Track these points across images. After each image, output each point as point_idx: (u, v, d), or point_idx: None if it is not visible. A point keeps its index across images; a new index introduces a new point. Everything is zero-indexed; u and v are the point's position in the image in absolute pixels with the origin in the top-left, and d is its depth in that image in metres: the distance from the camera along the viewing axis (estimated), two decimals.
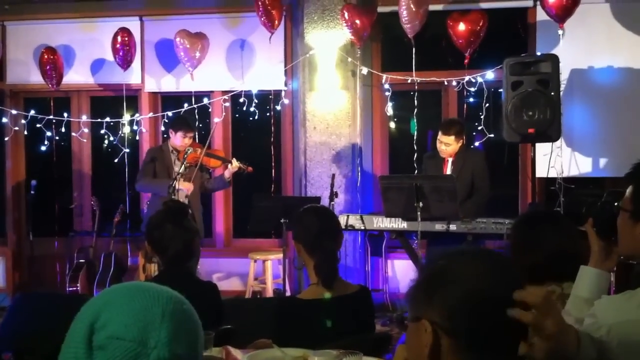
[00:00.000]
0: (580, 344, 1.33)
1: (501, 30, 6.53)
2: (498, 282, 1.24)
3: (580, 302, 2.01)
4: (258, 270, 6.53)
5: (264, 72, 6.76)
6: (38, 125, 7.00)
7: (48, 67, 6.74)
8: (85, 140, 7.18)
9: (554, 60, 5.36)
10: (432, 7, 6.10)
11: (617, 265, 5.03)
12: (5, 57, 7.19)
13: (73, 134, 7.18)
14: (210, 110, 6.99)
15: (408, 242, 5.65)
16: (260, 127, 6.89)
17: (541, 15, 6.08)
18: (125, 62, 6.65)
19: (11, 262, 7.33)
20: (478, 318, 1.21)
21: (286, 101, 6.73)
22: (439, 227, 5.32)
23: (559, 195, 5.93)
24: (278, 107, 6.79)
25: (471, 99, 6.45)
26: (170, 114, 6.77)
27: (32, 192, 6.75)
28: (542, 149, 5.94)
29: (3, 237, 7.48)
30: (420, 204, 5.07)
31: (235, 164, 5.75)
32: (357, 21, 6.08)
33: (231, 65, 6.87)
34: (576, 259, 2.33)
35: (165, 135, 6.71)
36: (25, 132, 7.18)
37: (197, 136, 6.65)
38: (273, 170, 6.83)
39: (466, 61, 6.09)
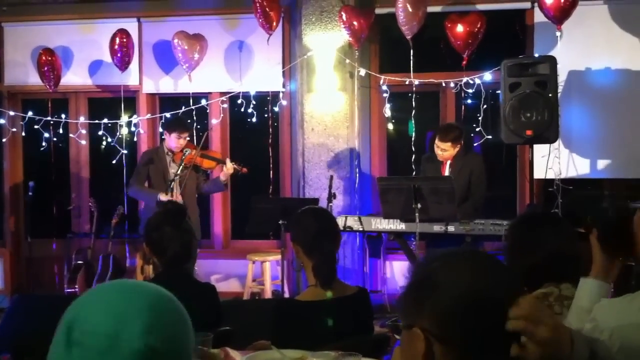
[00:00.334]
0: (574, 345, 1.33)
1: (499, 32, 6.54)
2: (486, 286, 1.22)
3: (581, 313, 2.01)
4: (256, 271, 6.53)
5: (262, 73, 6.76)
6: (36, 127, 6.99)
7: (46, 69, 6.74)
8: (83, 142, 7.18)
9: (552, 61, 5.37)
10: (430, 9, 6.11)
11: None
12: (3, 58, 7.19)
13: (71, 135, 7.17)
14: (208, 111, 6.99)
15: (406, 244, 5.66)
16: (258, 128, 6.89)
17: (539, 16, 6.09)
18: (123, 64, 6.65)
19: (9, 263, 7.32)
20: (468, 323, 1.20)
21: (284, 102, 6.74)
22: (437, 228, 5.33)
23: (557, 197, 5.94)
24: (276, 109, 6.79)
25: (469, 101, 6.46)
26: (168, 115, 6.76)
27: (30, 193, 6.74)
28: (540, 151, 5.95)
29: (1, 239, 7.47)
30: (419, 206, 5.07)
31: (229, 166, 5.72)
32: (355, 23, 6.09)
33: (229, 67, 6.87)
34: (574, 260, 2.33)
35: (163, 137, 6.70)
36: (23, 134, 7.18)
37: (194, 137, 6.66)
38: (271, 172, 6.83)
39: (464, 63, 6.10)
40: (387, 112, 6.53)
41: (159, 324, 1.17)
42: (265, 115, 6.82)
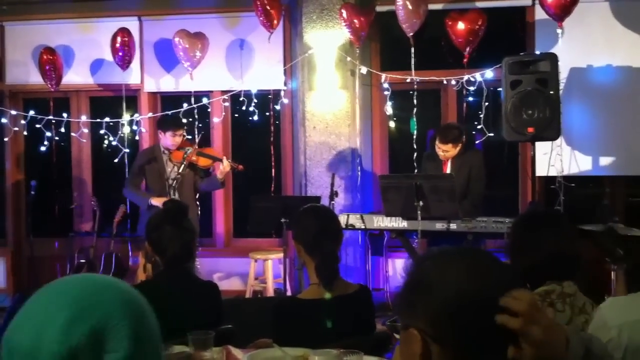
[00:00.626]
0: (569, 344, 1.33)
1: (500, 30, 6.54)
2: (480, 285, 1.22)
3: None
4: (258, 270, 6.53)
5: (263, 71, 6.76)
6: (37, 126, 6.99)
7: (47, 68, 6.74)
8: (84, 141, 7.18)
9: (553, 59, 5.36)
10: (430, 7, 6.10)
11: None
12: (4, 57, 7.19)
13: (73, 134, 7.17)
14: (209, 110, 6.99)
15: (408, 242, 5.66)
16: (260, 126, 6.89)
17: (540, 14, 6.08)
18: (124, 63, 6.65)
19: (11, 262, 7.34)
20: (463, 323, 1.19)
21: (285, 101, 6.73)
22: (439, 226, 5.33)
23: (559, 194, 5.94)
24: (277, 107, 6.79)
25: (470, 98, 6.45)
26: (169, 113, 6.76)
27: (32, 192, 6.74)
28: (541, 148, 5.94)
29: (3, 238, 7.48)
30: (420, 203, 5.07)
31: (226, 164, 5.71)
32: (356, 20, 6.09)
33: (230, 65, 6.87)
34: (576, 259, 2.33)
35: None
36: (25, 133, 7.18)
37: (195, 136, 6.67)
38: (273, 170, 6.83)
39: (465, 60, 6.09)
40: (389, 110, 6.52)
41: (82, 319, 1.04)
42: (267, 114, 6.82)
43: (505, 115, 5.37)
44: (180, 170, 5.60)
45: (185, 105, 6.75)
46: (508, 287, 1.23)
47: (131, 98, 7.11)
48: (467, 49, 6.03)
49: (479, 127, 6.29)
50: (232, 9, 6.86)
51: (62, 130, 7.06)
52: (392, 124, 6.88)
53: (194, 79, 6.65)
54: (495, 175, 5.95)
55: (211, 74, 6.84)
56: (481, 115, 6.25)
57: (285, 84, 6.74)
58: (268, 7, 6.16)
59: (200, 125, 6.84)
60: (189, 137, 6.73)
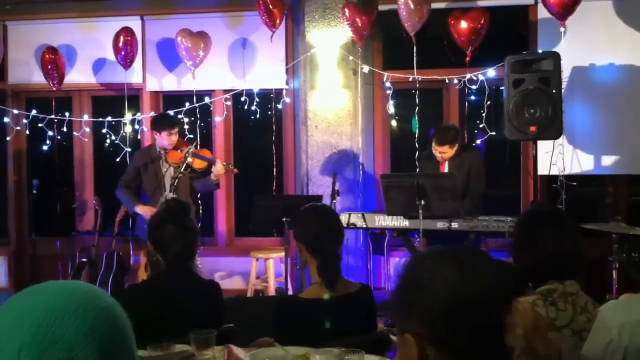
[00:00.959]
0: (561, 357, 1.34)
1: (502, 28, 6.53)
2: (472, 286, 1.21)
3: None
4: (260, 269, 6.53)
5: (265, 70, 6.76)
6: (40, 125, 7.00)
7: (49, 67, 6.75)
8: (87, 140, 7.19)
9: (556, 57, 5.36)
10: (433, 5, 6.09)
11: (619, 263, 5.03)
12: (6, 57, 7.19)
13: (75, 133, 7.18)
14: (211, 109, 6.99)
15: (410, 241, 5.66)
16: (262, 126, 6.89)
17: (542, 12, 6.08)
18: (126, 62, 6.65)
19: (13, 261, 7.35)
20: (456, 323, 1.19)
21: (287, 100, 6.73)
22: (440, 225, 5.33)
23: (560, 193, 5.93)
24: (279, 106, 6.79)
25: (472, 97, 6.44)
26: (171, 113, 6.75)
27: (33, 191, 6.75)
28: (543, 147, 5.93)
29: (5, 237, 7.48)
30: (422, 202, 5.07)
31: (219, 167, 5.66)
32: (358, 20, 6.08)
33: (232, 64, 6.87)
34: (578, 258, 2.33)
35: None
36: (27, 132, 7.19)
37: (198, 136, 6.66)
38: (275, 169, 6.83)
39: (467, 59, 6.09)
40: (391, 109, 6.52)
41: (36, 339, 0.93)
42: (269, 113, 6.81)
43: (508, 114, 5.37)
44: (182, 169, 5.58)
45: (187, 105, 6.75)
46: (502, 285, 1.23)
47: (133, 97, 7.11)
48: (470, 48, 6.03)
49: (481, 125, 6.29)
50: (235, 8, 6.86)
51: (64, 129, 7.08)
52: (394, 123, 6.88)
53: (196, 78, 6.65)
54: (497, 174, 5.95)
55: (213, 73, 6.84)
56: (483, 114, 6.24)
57: (287, 83, 6.74)
58: (270, 6, 6.15)
59: (202, 124, 6.83)
60: (190, 136, 6.74)
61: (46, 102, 7.25)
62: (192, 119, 6.78)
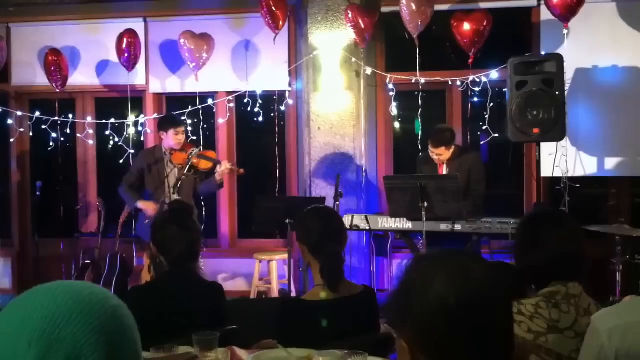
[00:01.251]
0: None
1: (505, 30, 6.53)
2: (460, 293, 1.22)
3: None
4: (263, 270, 6.53)
5: (268, 72, 6.76)
6: (43, 127, 7.01)
7: (52, 69, 6.76)
8: (90, 142, 7.20)
9: (559, 59, 5.35)
10: (436, 7, 6.09)
11: (623, 265, 5.03)
12: (10, 58, 7.21)
13: (78, 135, 7.19)
14: (214, 111, 7.00)
15: (413, 242, 5.66)
16: (265, 127, 6.90)
17: (545, 14, 6.07)
18: (130, 64, 6.66)
19: (16, 263, 7.36)
20: (444, 332, 1.21)
21: (290, 102, 6.74)
22: (444, 227, 5.33)
23: (564, 195, 5.92)
24: (282, 108, 6.79)
25: (475, 99, 6.45)
26: (175, 114, 6.76)
27: (37, 193, 6.76)
28: (547, 149, 5.93)
29: (8, 238, 7.49)
30: (425, 204, 5.07)
31: (226, 166, 5.69)
32: (361, 21, 6.09)
33: (235, 66, 6.87)
34: (581, 259, 2.33)
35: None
36: (31, 134, 7.20)
37: (201, 138, 6.67)
38: (277, 171, 6.83)
39: (470, 61, 6.08)
40: (394, 110, 6.53)
41: (45, 333, 0.96)
42: (272, 115, 6.82)
43: (511, 116, 5.36)
44: (185, 171, 5.59)
45: (190, 107, 6.75)
46: (494, 293, 1.24)
47: (136, 99, 7.13)
48: (473, 50, 6.03)
49: (484, 127, 6.29)
50: (238, 9, 6.86)
51: (68, 131, 7.08)
52: (397, 125, 6.88)
53: (199, 80, 6.65)
54: (500, 176, 5.95)
55: (216, 75, 6.85)
56: (486, 116, 6.24)
57: (290, 85, 6.74)
58: (273, 8, 6.16)
59: (205, 126, 6.84)
60: (194, 137, 6.75)
61: (49, 103, 7.25)
62: (195, 120, 6.79)
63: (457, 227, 5.29)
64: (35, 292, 1.03)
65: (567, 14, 5.64)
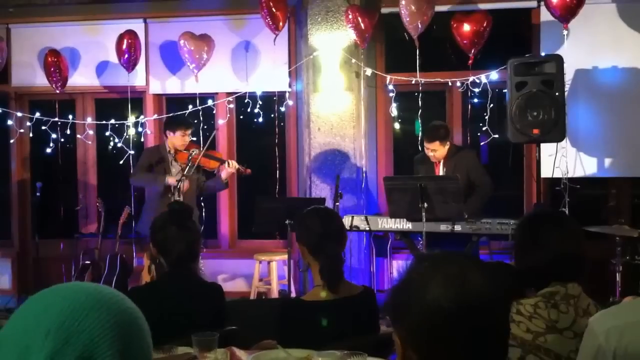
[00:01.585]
0: None
1: (505, 31, 6.53)
2: (454, 297, 1.24)
3: None
4: (263, 271, 6.53)
5: (268, 73, 6.76)
6: (43, 128, 7.01)
7: (52, 69, 6.76)
8: (90, 142, 7.20)
9: (559, 60, 5.36)
10: (436, 8, 6.09)
11: (623, 265, 5.03)
12: (10, 59, 7.21)
13: (78, 136, 7.19)
14: (214, 112, 7.00)
15: (413, 243, 5.65)
16: (265, 128, 6.90)
17: (545, 15, 6.07)
18: (130, 64, 6.66)
19: (16, 264, 7.36)
20: (437, 334, 1.24)
21: (290, 102, 6.74)
22: (444, 227, 5.33)
23: (564, 196, 5.92)
24: (282, 109, 6.79)
25: (475, 100, 6.45)
26: (177, 114, 6.76)
27: (37, 194, 6.77)
28: (547, 150, 5.93)
29: (8, 239, 7.50)
30: (425, 205, 5.07)
31: (233, 165, 5.71)
32: (361, 22, 6.09)
33: (235, 67, 6.88)
34: (580, 260, 2.33)
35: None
36: (31, 135, 7.20)
37: (200, 138, 6.67)
38: (277, 172, 6.83)
39: (470, 62, 6.09)
40: (394, 111, 6.53)
41: (65, 350, 0.97)
42: (272, 115, 6.82)
43: (510, 116, 5.36)
44: (186, 172, 5.60)
45: (190, 107, 6.76)
46: (488, 298, 1.26)
47: (136, 100, 7.13)
48: (472, 51, 6.03)
49: (484, 128, 6.29)
50: (238, 10, 6.87)
51: (68, 132, 7.08)
52: (396, 126, 6.88)
53: (199, 81, 6.65)
54: (500, 176, 5.94)
55: (216, 76, 6.85)
56: (486, 117, 6.24)
57: (290, 86, 6.74)
58: (274, 9, 6.16)
59: (205, 127, 6.84)
60: (194, 138, 6.75)
61: (50, 104, 7.25)
62: (195, 121, 6.79)
63: (457, 227, 5.29)
64: (56, 288, 1.05)
65: (566, 14, 5.64)
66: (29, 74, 7.22)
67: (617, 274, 5.00)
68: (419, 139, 6.37)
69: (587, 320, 2.19)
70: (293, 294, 5.86)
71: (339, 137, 6.40)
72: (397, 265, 6.66)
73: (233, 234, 7.21)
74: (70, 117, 7.13)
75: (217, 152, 6.16)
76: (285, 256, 5.76)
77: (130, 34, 6.64)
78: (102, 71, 7.12)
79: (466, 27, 6.01)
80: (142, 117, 7.07)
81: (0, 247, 7.43)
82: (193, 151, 5.65)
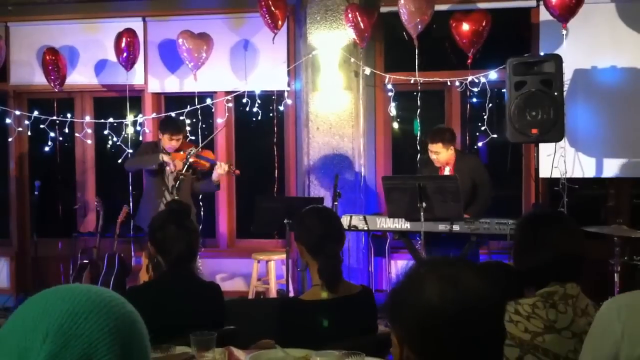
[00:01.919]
0: None
1: (504, 30, 6.53)
2: (446, 303, 1.29)
3: None
4: (261, 270, 6.53)
5: (267, 72, 6.76)
6: (42, 126, 7.01)
7: (50, 68, 6.75)
8: (88, 141, 7.19)
9: (557, 60, 5.35)
10: (435, 8, 6.09)
11: (621, 265, 5.03)
12: (8, 58, 7.20)
13: (76, 134, 7.19)
14: (213, 110, 6.99)
15: (411, 243, 5.65)
16: (263, 127, 6.89)
17: (544, 15, 6.07)
18: (128, 63, 6.65)
19: (15, 263, 7.35)
20: (433, 335, 1.29)
21: (289, 102, 6.73)
22: (442, 227, 5.32)
23: (562, 196, 5.92)
24: (281, 108, 6.78)
25: (474, 99, 6.44)
26: (173, 114, 6.77)
27: (35, 192, 6.77)
28: (545, 149, 5.93)
29: (7, 238, 7.49)
30: (424, 205, 5.06)
31: (222, 167, 5.72)
32: (360, 21, 6.08)
33: (234, 66, 6.87)
34: (579, 259, 2.32)
35: None
36: (29, 133, 7.20)
37: (199, 137, 6.66)
38: (276, 171, 6.83)
39: (469, 61, 6.08)
40: (392, 111, 6.53)
41: (63, 354, 0.96)
42: (270, 115, 6.81)
43: (509, 116, 5.36)
44: (183, 170, 5.61)
45: (189, 106, 6.75)
46: (481, 303, 1.31)
47: (135, 99, 7.12)
48: (472, 50, 6.02)
49: (482, 128, 6.29)
50: (237, 9, 6.86)
51: (66, 130, 7.08)
52: (395, 125, 6.87)
53: (197, 79, 6.65)
54: (498, 176, 5.94)
55: (215, 75, 6.85)
56: (485, 117, 6.24)
57: (288, 85, 6.74)
58: (273, 8, 6.16)
59: (203, 126, 6.83)
60: (192, 137, 6.75)
61: (48, 103, 7.25)
62: (194, 120, 6.79)
63: (456, 227, 5.28)
64: (55, 290, 1.05)
65: (566, 14, 5.64)
66: (28, 73, 7.21)
67: (616, 274, 4.99)
68: (418, 138, 6.38)
69: (585, 320, 2.20)
70: (291, 294, 5.86)
71: (338, 136, 6.40)
72: (396, 265, 6.66)
73: (232, 233, 7.20)
74: (69, 115, 7.12)
75: (209, 153, 6.12)
76: (284, 256, 5.75)
77: (129, 32, 6.63)
78: (100, 70, 7.11)
79: (465, 27, 6.01)
80: (140, 115, 7.06)
81: None
82: (191, 150, 5.67)
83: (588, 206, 6.88)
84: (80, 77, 7.14)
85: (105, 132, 6.95)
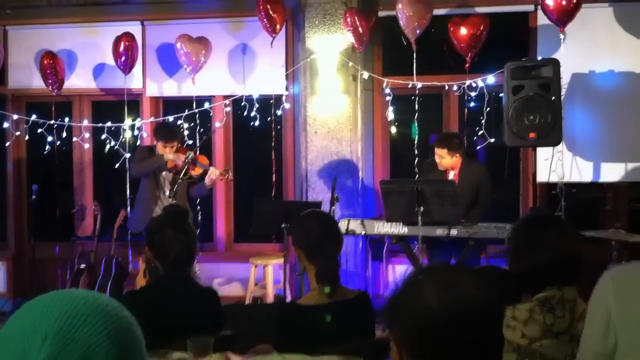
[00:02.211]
0: None
1: (502, 35, 6.54)
2: (444, 306, 1.30)
3: None
4: (259, 275, 6.52)
5: (265, 76, 6.76)
6: (39, 130, 6.99)
7: (48, 72, 6.75)
8: (86, 145, 7.18)
9: (555, 64, 5.36)
10: (433, 12, 6.09)
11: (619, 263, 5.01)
12: (7, 61, 7.19)
13: (74, 138, 7.18)
14: (211, 114, 6.99)
15: (409, 247, 5.64)
16: (262, 131, 6.88)
17: (542, 19, 6.08)
18: (126, 67, 6.65)
19: (12, 266, 7.33)
20: (430, 340, 1.31)
21: (287, 105, 6.73)
22: (440, 232, 5.31)
23: (560, 200, 5.92)
24: (279, 112, 6.78)
25: (472, 104, 6.44)
26: (171, 118, 6.77)
27: (33, 196, 6.76)
28: (543, 154, 5.93)
29: (4, 242, 7.47)
30: (421, 209, 5.05)
31: (215, 173, 5.73)
32: (358, 25, 6.09)
33: (232, 70, 6.87)
34: (576, 263, 2.32)
35: None
36: (27, 137, 7.18)
37: (196, 141, 6.65)
38: (274, 175, 6.82)
39: (467, 65, 6.09)
40: (390, 115, 6.52)
41: (62, 357, 0.97)
42: (269, 119, 6.80)
43: (507, 120, 5.37)
44: (182, 175, 5.61)
45: (187, 110, 6.74)
46: (478, 307, 1.32)
47: (133, 102, 7.11)
48: (469, 54, 6.03)
49: (480, 132, 6.29)
50: (235, 13, 6.86)
51: (64, 134, 7.06)
52: (393, 129, 6.87)
53: (196, 83, 6.65)
54: (496, 180, 5.93)
55: (213, 79, 6.84)
56: (483, 121, 6.24)
57: (287, 89, 6.73)
58: (271, 12, 6.16)
59: (202, 129, 6.83)
60: (190, 142, 6.75)
61: (46, 107, 7.24)
62: (192, 124, 6.78)
63: (453, 232, 5.28)
64: (54, 294, 1.05)
65: (563, 18, 5.65)
66: (26, 76, 7.20)
67: None
68: (416, 142, 6.38)
69: (583, 324, 2.19)
70: (289, 298, 5.85)
71: (336, 140, 6.40)
72: (393, 270, 6.66)
73: (229, 237, 7.19)
74: (67, 119, 7.11)
75: (203, 158, 6.12)
76: (281, 260, 5.74)
77: (128, 36, 6.62)
78: (99, 73, 7.11)
79: (463, 31, 6.02)
80: (138, 119, 7.06)
81: None
82: (189, 155, 5.67)
83: (586, 210, 6.87)
84: (79, 80, 7.13)
85: (103, 136, 6.94)
